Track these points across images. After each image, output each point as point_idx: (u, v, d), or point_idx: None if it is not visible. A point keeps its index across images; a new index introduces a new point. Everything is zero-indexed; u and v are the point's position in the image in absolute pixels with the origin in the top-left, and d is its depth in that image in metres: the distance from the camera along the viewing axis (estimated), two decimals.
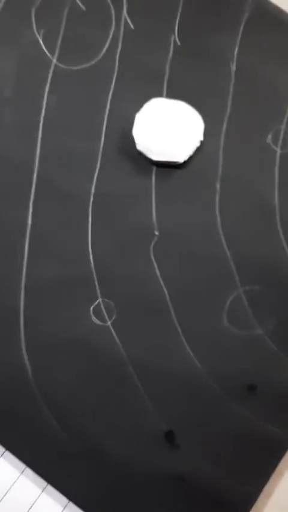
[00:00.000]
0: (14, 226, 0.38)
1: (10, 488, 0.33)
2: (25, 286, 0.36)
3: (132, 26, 0.43)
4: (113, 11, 0.43)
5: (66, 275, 0.37)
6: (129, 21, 0.43)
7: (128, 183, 0.39)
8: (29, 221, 0.38)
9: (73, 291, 0.37)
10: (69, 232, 0.38)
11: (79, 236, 0.38)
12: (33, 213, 0.38)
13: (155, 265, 0.38)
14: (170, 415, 0.35)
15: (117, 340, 0.36)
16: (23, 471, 0.33)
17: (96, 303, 0.37)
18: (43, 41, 0.42)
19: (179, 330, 0.37)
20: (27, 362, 0.35)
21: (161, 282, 0.37)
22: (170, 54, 0.43)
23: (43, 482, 0.33)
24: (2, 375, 0.35)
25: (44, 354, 0.35)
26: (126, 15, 0.43)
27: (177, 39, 0.43)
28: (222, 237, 0.39)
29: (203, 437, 0.35)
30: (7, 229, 0.37)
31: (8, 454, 0.33)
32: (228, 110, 0.42)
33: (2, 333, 0.35)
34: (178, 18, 0.43)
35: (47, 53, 0.42)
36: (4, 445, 0.34)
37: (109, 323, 0.36)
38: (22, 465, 0.34)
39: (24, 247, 0.37)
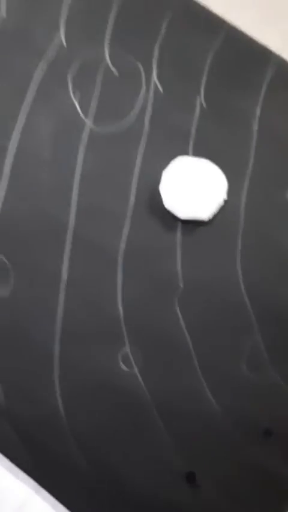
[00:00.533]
0: (51, 278, 0.41)
1: None
2: (60, 334, 0.40)
3: (161, 90, 0.47)
4: (143, 76, 0.47)
5: (98, 323, 0.40)
6: (158, 85, 0.47)
7: (155, 238, 0.43)
8: (64, 275, 0.41)
9: (103, 338, 0.40)
10: (101, 284, 0.41)
11: (110, 287, 0.41)
12: (69, 266, 0.42)
13: (180, 315, 0.41)
14: (191, 455, 0.38)
15: (143, 385, 0.39)
16: (54, 506, 0.37)
17: (124, 350, 0.40)
18: (79, 105, 0.46)
19: (201, 376, 0.40)
20: (60, 406, 0.38)
21: (185, 331, 0.40)
22: (197, 115, 0.46)
23: None
24: (38, 416, 0.38)
25: (76, 396, 0.39)
26: (156, 80, 0.47)
27: (203, 101, 0.46)
28: (243, 289, 0.42)
29: (222, 478, 0.38)
30: (45, 281, 0.41)
31: (41, 489, 0.37)
32: (250, 167, 0.45)
33: (38, 377, 0.39)
34: (204, 81, 0.46)
35: (82, 116, 0.46)
36: (38, 482, 0.37)
37: (136, 370, 0.39)
38: (53, 499, 0.37)
39: (58, 297, 0.41)
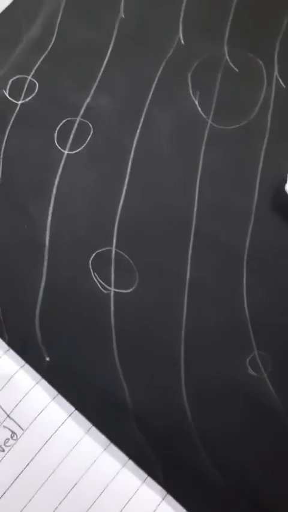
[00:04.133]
0: (175, 278, 0.40)
1: None
2: (185, 337, 0.39)
3: (283, 85, 0.45)
4: (264, 71, 0.45)
5: (223, 326, 0.39)
6: (280, 80, 0.45)
7: (280, 237, 0.41)
8: (188, 274, 0.40)
9: (229, 341, 0.38)
10: (225, 284, 0.40)
11: (235, 287, 0.40)
12: (191, 265, 0.40)
13: None
14: None
15: (273, 392, 0.37)
16: None
17: (252, 355, 0.38)
18: (199, 103, 0.45)
19: None
20: (188, 412, 0.37)
21: None
22: None
23: None
24: (166, 420, 0.37)
25: (203, 401, 0.37)
26: (278, 75, 0.45)
27: None
28: None
29: None
30: (169, 285, 0.40)
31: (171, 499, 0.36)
32: None
33: (166, 382, 0.38)
34: None
35: (202, 114, 0.44)
36: (167, 489, 0.36)
37: (265, 375, 0.38)
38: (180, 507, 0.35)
39: (184, 299, 0.40)
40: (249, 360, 0.38)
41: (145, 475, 0.36)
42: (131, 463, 0.36)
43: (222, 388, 0.38)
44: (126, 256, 0.41)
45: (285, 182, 0.41)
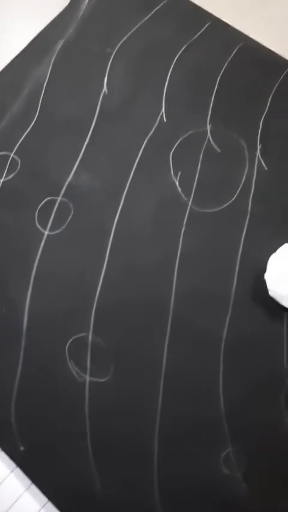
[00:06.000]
0: (151, 368, 0.40)
1: None
2: (159, 431, 0.38)
3: (265, 167, 0.45)
4: (246, 152, 0.45)
5: (198, 418, 0.38)
6: (262, 162, 0.45)
7: (259, 327, 0.40)
8: (164, 363, 0.40)
9: (204, 435, 0.38)
10: (201, 374, 0.40)
11: (211, 379, 0.39)
12: (167, 354, 0.40)
13: (284, 414, 0.38)
14: None
15: (245, 491, 0.37)
16: None
17: (226, 452, 0.38)
18: (179, 184, 0.45)
19: None
20: (160, 509, 0.37)
21: None
22: None
23: None
24: None
25: (175, 496, 0.37)
26: (260, 156, 0.45)
27: None
28: None
29: None
30: (145, 374, 0.40)
31: None
32: None
33: (137, 473, 0.37)
34: None
35: (183, 195, 0.44)
36: None
37: (239, 475, 0.37)
38: None
39: (159, 390, 0.39)
40: (224, 457, 0.38)
41: None
42: None
43: (195, 483, 0.37)
44: (102, 343, 0.41)
45: (265, 271, 0.41)
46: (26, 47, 0.50)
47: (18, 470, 0.39)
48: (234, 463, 0.37)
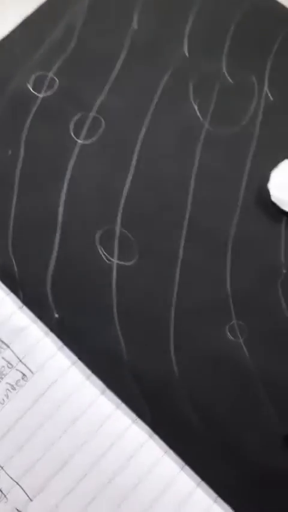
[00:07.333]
0: (169, 255, 0.47)
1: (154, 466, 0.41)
2: (175, 304, 0.45)
3: (271, 98, 0.52)
4: (256, 86, 0.53)
5: (209, 299, 0.46)
6: (269, 94, 0.52)
7: (263, 228, 0.48)
8: (180, 255, 0.47)
9: (214, 312, 0.45)
10: (212, 265, 0.47)
11: (220, 269, 0.47)
12: (183, 248, 0.47)
13: (281, 297, 0.46)
14: None
15: (247, 355, 0.44)
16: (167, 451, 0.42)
17: (231, 323, 0.45)
18: (198, 109, 0.52)
19: None
20: (175, 367, 0.44)
21: (285, 311, 0.45)
22: None
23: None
24: (154, 376, 0.43)
25: (188, 361, 0.44)
26: (267, 90, 0.52)
27: None
28: None
29: None
30: (164, 257, 0.47)
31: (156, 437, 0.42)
32: None
33: (155, 342, 0.44)
34: None
35: (201, 118, 0.52)
36: (154, 430, 0.42)
37: (241, 340, 0.44)
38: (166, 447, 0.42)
39: (176, 274, 0.46)
40: (229, 327, 0.45)
41: (135, 417, 0.42)
42: (123, 406, 0.43)
43: (205, 351, 0.44)
44: (128, 234, 0.48)
45: (268, 181, 0.48)
46: None
47: (52, 335, 0.45)
48: (237, 332, 0.45)
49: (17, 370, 0.43)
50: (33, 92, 0.53)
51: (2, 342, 0.44)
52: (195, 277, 0.47)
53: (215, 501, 0.40)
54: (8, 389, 0.42)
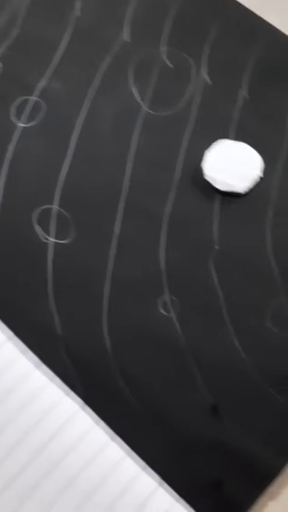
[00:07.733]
0: (105, 232, 0.48)
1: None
2: (111, 279, 0.46)
3: (210, 82, 0.53)
4: (194, 70, 0.54)
5: (143, 275, 0.47)
6: (207, 78, 0.54)
7: (197, 206, 0.49)
8: (117, 231, 0.48)
9: (147, 287, 0.46)
10: (147, 242, 0.48)
11: (155, 245, 0.48)
12: (120, 225, 0.48)
13: (214, 272, 0.47)
14: (217, 392, 0.44)
15: (178, 328, 0.45)
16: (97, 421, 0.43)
17: (164, 298, 0.46)
18: (138, 93, 0.53)
19: (229, 326, 0.45)
20: (108, 341, 0.45)
21: (217, 287, 0.46)
22: (239, 105, 0.53)
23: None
24: (87, 350, 0.45)
25: (121, 334, 0.45)
26: (205, 73, 0.54)
27: (246, 93, 0.53)
28: (271, 256, 0.48)
29: (242, 414, 0.43)
30: (100, 238, 0.48)
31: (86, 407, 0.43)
32: (285, 153, 0.51)
33: (89, 317, 0.45)
34: (247, 76, 0.53)
35: (140, 101, 0.53)
36: (86, 402, 0.43)
37: (173, 314, 0.46)
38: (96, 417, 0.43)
39: (110, 248, 0.48)
40: (161, 302, 0.46)
41: (68, 389, 0.43)
42: (57, 379, 0.44)
43: (138, 325, 0.45)
44: (65, 213, 0.49)
45: (203, 160, 0.50)
46: None
47: None
48: (170, 307, 0.46)
49: None
50: None
51: None
52: (130, 254, 0.48)
53: (144, 469, 0.41)
54: None
